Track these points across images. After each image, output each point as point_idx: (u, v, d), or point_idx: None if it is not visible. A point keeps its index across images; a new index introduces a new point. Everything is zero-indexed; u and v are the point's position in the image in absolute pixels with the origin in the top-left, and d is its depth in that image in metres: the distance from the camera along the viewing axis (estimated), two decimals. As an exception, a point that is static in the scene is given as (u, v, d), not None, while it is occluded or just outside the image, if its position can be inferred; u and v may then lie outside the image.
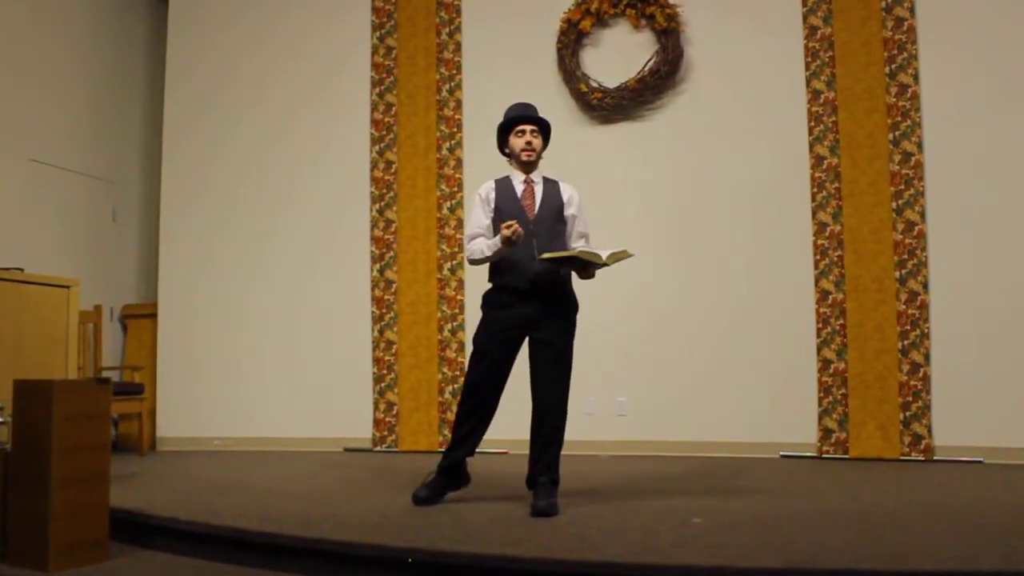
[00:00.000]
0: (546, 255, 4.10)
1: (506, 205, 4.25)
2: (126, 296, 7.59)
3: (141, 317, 7.45)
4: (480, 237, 4.27)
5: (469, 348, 6.61)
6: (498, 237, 4.10)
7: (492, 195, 4.31)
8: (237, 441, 6.97)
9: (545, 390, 4.23)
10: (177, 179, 7.38)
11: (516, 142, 4.32)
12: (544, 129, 4.38)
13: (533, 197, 4.29)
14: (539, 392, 4.24)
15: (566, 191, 4.37)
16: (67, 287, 4.93)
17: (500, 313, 4.22)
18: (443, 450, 4.42)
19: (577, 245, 4.30)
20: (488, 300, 4.31)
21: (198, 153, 7.36)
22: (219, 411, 7.06)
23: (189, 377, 7.14)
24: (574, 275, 4.28)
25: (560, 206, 4.31)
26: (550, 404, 4.23)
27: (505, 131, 4.39)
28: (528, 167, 4.33)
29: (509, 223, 4.03)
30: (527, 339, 4.25)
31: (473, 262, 4.34)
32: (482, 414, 4.32)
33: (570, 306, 4.32)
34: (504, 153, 4.43)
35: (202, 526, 3.84)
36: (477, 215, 4.33)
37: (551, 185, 4.36)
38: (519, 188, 4.31)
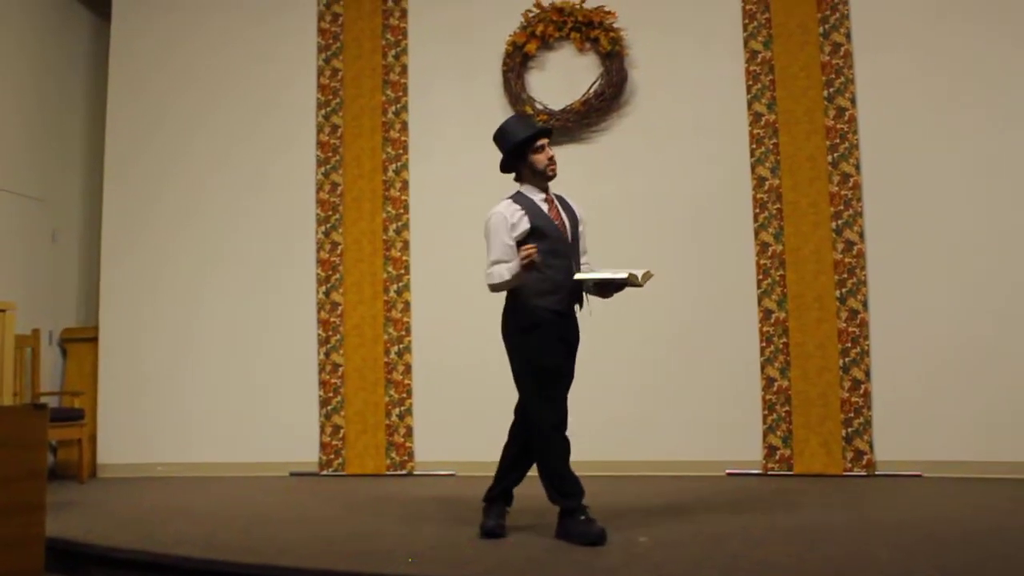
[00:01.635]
0: (583, 276, 4.03)
1: (544, 225, 4.05)
2: (66, 319, 7.43)
3: (81, 341, 7.30)
4: (503, 263, 4.00)
5: (417, 369, 6.68)
6: (516, 263, 3.89)
7: (523, 217, 4.04)
8: (181, 467, 6.85)
9: None
10: (120, 201, 7.25)
11: (539, 158, 4.09)
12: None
13: (561, 216, 4.14)
14: None
15: (578, 207, 4.27)
16: (2, 310, 4.83)
17: (554, 330, 4.04)
18: (564, 496, 4.01)
19: (585, 260, 4.25)
20: (533, 317, 4.02)
21: (143, 174, 7.24)
22: (162, 437, 6.93)
23: (131, 402, 7.00)
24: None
25: (578, 221, 4.22)
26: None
27: (521, 147, 4.12)
28: (547, 183, 4.18)
29: (528, 248, 3.84)
30: None
31: (494, 288, 4.07)
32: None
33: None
34: (514, 170, 4.21)
35: (143, 554, 3.78)
36: (502, 240, 4.02)
37: (563, 201, 4.24)
38: (544, 206, 4.11)
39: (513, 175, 4.24)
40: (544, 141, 4.12)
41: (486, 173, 6.73)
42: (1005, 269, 5.81)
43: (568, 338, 4.09)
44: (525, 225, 4.03)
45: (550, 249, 4.01)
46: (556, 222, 4.10)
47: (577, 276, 4.03)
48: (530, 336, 4.02)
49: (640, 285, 3.99)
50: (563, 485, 3.99)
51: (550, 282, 4.01)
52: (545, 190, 4.16)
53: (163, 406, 6.97)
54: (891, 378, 5.93)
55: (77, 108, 7.70)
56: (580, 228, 4.22)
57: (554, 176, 4.14)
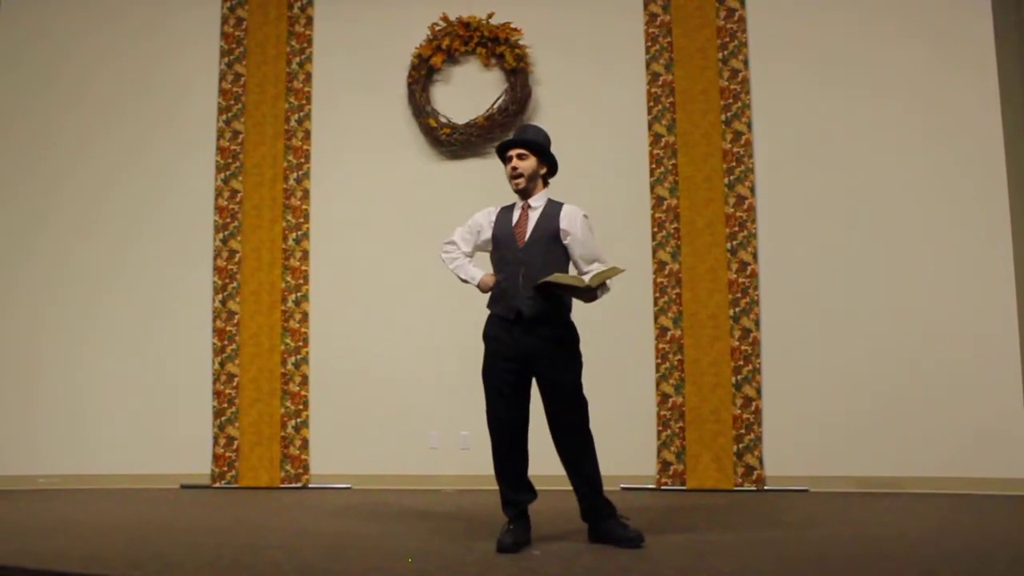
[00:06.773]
0: (545, 280, 3.96)
1: (500, 233, 4.17)
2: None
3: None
4: (455, 246, 4.31)
5: (314, 381, 6.60)
6: (480, 277, 4.21)
7: (492, 221, 4.22)
8: (66, 479, 6.61)
9: (563, 434, 4.15)
10: (16, 212, 6.96)
11: (506, 169, 4.21)
12: (534, 149, 4.15)
13: (526, 224, 4.13)
14: (557, 437, 4.16)
15: (565, 215, 4.12)
16: None
17: (496, 345, 4.10)
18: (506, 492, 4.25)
19: (589, 270, 4.12)
20: (486, 331, 4.19)
21: (39, 182, 6.96)
22: (46, 447, 6.67)
23: (11, 411, 6.73)
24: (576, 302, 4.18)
25: (556, 231, 4.10)
26: (574, 448, 4.16)
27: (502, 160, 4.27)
28: (522, 193, 4.17)
29: (489, 276, 4.16)
30: (534, 378, 4.12)
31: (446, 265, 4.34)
32: (520, 454, 4.17)
33: (570, 337, 4.20)
34: None
35: (19, 572, 3.63)
36: (468, 226, 4.30)
37: (552, 209, 4.15)
38: (516, 215, 4.17)
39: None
40: (511, 152, 4.18)
41: (388, 183, 6.77)
42: (888, 291, 6.05)
43: (518, 350, 4.05)
44: (488, 230, 4.23)
45: (500, 257, 4.19)
46: (516, 231, 4.14)
47: (534, 285, 4.00)
48: (485, 347, 4.18)
49: (591, 287, 3.92)
50: (501, 495, 4.23)
51: (498, 288, 4.15)
52: (524, 199, 4.19)
53: (48, 415, 6.73)
54: (780, 396, 6.11)
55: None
56: (565, 238, 4.10)
57: (518, 188, 4.17)
